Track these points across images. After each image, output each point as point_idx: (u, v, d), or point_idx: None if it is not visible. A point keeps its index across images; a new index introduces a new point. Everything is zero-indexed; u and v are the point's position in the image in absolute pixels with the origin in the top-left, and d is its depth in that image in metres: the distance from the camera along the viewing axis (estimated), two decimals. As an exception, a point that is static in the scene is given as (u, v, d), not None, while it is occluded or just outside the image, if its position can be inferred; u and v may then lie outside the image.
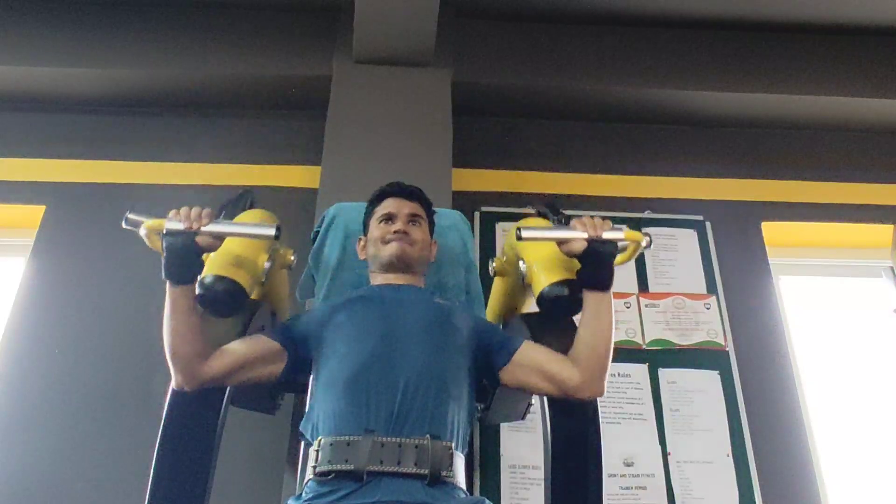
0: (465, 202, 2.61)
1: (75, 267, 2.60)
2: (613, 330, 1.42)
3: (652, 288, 2.68)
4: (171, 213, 1.37)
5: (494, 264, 1.81)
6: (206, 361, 1.37)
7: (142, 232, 1.40)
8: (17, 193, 2.76)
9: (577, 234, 1.43)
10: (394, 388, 1.34)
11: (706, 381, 2.49)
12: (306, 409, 1.46)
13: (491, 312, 1.90)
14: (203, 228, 1.35)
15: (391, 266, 1.61)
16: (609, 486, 2.15)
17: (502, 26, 3.05)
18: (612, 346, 1.42)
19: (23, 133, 2.89)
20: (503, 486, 2.28)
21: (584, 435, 1.41)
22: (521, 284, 1.65)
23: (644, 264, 2.71)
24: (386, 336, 1.44)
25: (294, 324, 1.54)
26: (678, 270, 2.72)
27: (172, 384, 1.38)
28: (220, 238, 1.39)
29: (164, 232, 1.35)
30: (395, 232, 1.62)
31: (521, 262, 1.63)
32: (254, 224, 1.55)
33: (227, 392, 1.41)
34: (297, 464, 1.68)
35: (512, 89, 2.95)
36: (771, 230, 2.88)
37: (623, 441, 2.36)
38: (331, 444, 1.30)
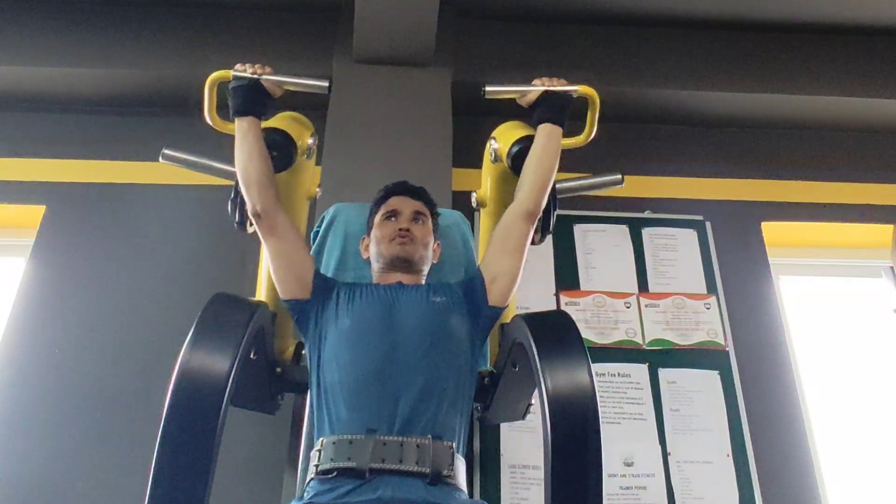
0: (466, 202, 2.61)
1: (75, 267, 2.60)
2: (557, 162, 1.63)
3: (652, 288, 2.68)
4: (238, 66, 1.63)
5: (476, 195, 1.93)
6: (278, 200, 1.56)
7: (208, 83, 1.66)
8: (17, 193, 2.76)
9: (535, 88, 1.67)
10: (395, 396, 1.35)
11: (706, 381, 2.48)
12: (309, 412, 1.46)
13: (483, 249, 1.90)
14: (265, 77, 1.61)
15: (394, 264, 1.61)
16: (609, 486, 2.16)
17: (502, 26, 3.05)
18: (553, 177, 1.63)
19: (23, 133, 2.89)
20: (503, 486, 2.28)
21: (583, 435, 1.41)
22: (492, 161, 1.82)
23: (644, 264, 2.71)
24: (386, 338, 1.44)
25: (327, 281, 1.60)
26: (678, 270, 2.72)
27: (249, 210, 1.55)
28: (279, 85, 1.64)
29: (233, 77, 1.61)
30: (398, 230, 1.62)
31: (492, 141, 1.82)
32: (307, 77, 1.72)
33: (227, 392, 1.41)
34: (297, 464, 1.68)
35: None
36: (771, 230, 2.88)
37: (623, 441, 2.36)
38: (333, 443, 1.31)
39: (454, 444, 1.35)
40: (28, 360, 2.41)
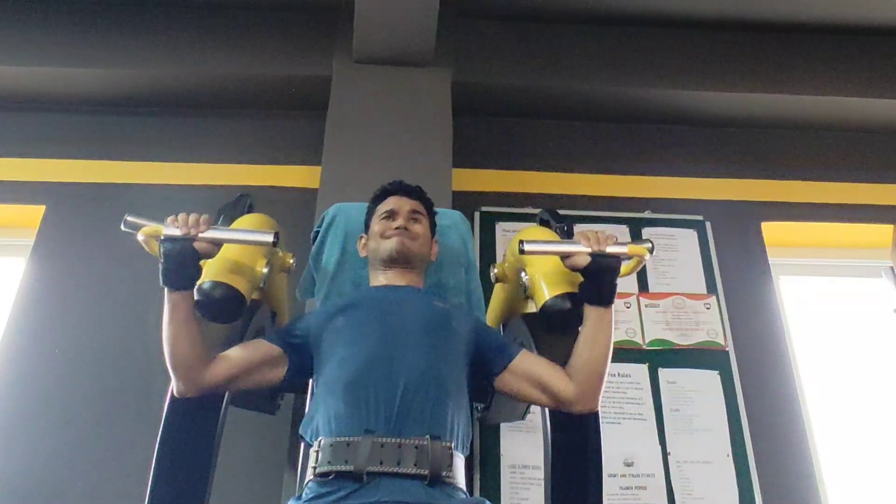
0: (465, 202, 2.61)
1: (75, 267, 2.59)
2: (612, 346, 1.43)
3: (652, 288, 2.68)
4: (170, 220, 1.37)
5: (496, 270, 1.81)
6: (207, 368, 1.37)
7: (140, 237, 1.39)
8: (17, 193, 2.76)
9: (581, 249, 1.43)
10: (393, 390, 1.34)
11: (706, 381, 2.48)
12: (307, 411, 1.46)
13: (491, 317, 1.89)
14: (201, 235, 1.35)
15: (391, 261, 1.61)
16: (609, 486, 2.16)
17: (502, 26, 3.05)
18: (609, 362, 1.42)
19: (23, 133, 2.89)
20: (503, 486, 2.28)
21: (584, 435, 1.42)
22: (522, 294, 1.65)
23: (644, 264, 2.71)
24: (385, 338, 1.44)
25: (294, 327, 1.54)
26: (678, 270, 2.72)
27: (173, 391, 1.37)
28: (218, 244, 1.39)
29: (162, 238, 1.35)
30: (396, 228, 1.62)
31: (522, 273, 1.62)
32: (252, 231, 1.54)
33: (226, 393, 1.42)
34: (297, 464, 1.68)
35: (512, 89, 2.94)
36: (771, 230, 2.88)
37: (623, 441, 2.36)
38: (331, 445, 1.30)
39: (453, 444, 1.34)
40: (28, 360, 2.41)
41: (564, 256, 1.45)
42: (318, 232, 1.96)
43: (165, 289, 1.36)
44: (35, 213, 2.71)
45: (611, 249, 1.43)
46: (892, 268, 2.82)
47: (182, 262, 1.34)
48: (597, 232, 1.45)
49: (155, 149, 2.88)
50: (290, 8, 2.98)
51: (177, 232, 1.34)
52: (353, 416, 1.33)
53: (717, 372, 2.50)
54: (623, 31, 3.08)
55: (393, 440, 1.28)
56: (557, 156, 2.98)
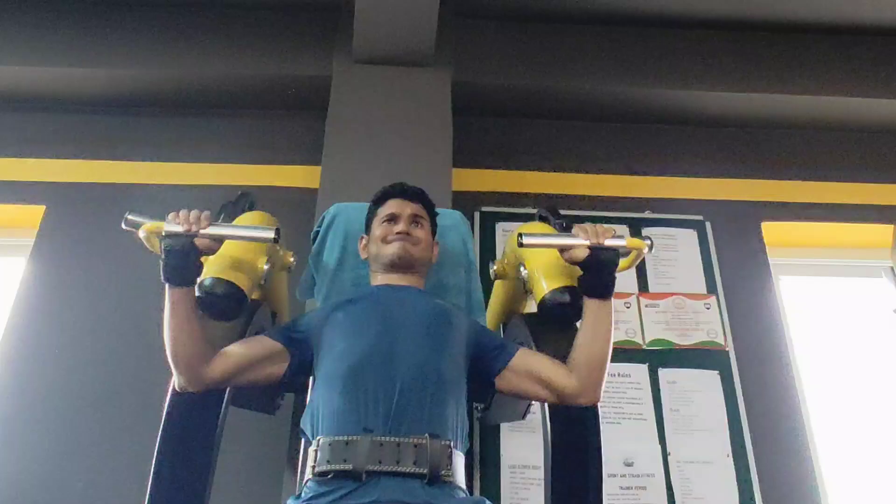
0: (465, 202, 2.61)
1: (75, 267, 2.59)
2: (612, 338, 1.43)
3: (652, 288, 2.68)
4: (171, 216, 1.37)
5: (495, 267, 1.81)
6: (209, 364, 1.38)
7: (141, 234, 1.40)
8: (17, 193, 2.76)
9: (579, 241, 1.43)
10: (391, 386, 1.34)
11: (706, 381, 2.48)
12: (307, 404, 1.46)
13: (491, 315, 1.90)
14: (202, 231, 1.35)
15: (393, 266, 1.61)
16: (609, 486, 2.15)
17: (502, 26, 3.05)
18: (611, 353, 1.43)
19: (23, 133, 2.89)
20: (503, 486, 2.28)
21: (584, 435, 1.41)
22: (521, 290, 1.65)
23: (644, 264, 2.71)
24: (384, 333, 1.44)
25: (295, 324, 1.55)
26: (678, 270, 2.72)
27: (175, 386, 1.38)
28: (219, 241, 1.39)
29: (163, 234, 1.35)
30: (397, 232, 1.62)
31: (521, 268, 1.63)
32: (253, 227, 1.54)
33: (227, 392, 1.42)
34: (297, 464, 1.68)
35: (512, 89, 2.95)
36: (771, 230, 2.88)
37: (623, 441, 2.36)
38: (329, 444, 1.30)
39: (452, 442, 1.34)
40: (28, 360, 2.41)
41: (563, 250, 1.46)
42: (318, 232, 1.96)
43: (167, 285, 1.36)
44: (35, 213, 2.71)
45: (609, 242, 1.43)
46: (892, 268, 2.82)
47: (183, 259, 1.34)
48: (595, 225, 1.45)
49: (155, 149, 2.88)
50: (290, 8, 2.98)
51: (178, 228, 1.34)
52: (351, 413, 1.33)
53: (717, 372, 2.50)
54: (623, 31, 3.08)
55: (392, 439, 1.28)
56: (557, 156, 2.98)
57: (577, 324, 1.49)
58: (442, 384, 1.39)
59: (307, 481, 1.33)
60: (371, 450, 1.27)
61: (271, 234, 1.41)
